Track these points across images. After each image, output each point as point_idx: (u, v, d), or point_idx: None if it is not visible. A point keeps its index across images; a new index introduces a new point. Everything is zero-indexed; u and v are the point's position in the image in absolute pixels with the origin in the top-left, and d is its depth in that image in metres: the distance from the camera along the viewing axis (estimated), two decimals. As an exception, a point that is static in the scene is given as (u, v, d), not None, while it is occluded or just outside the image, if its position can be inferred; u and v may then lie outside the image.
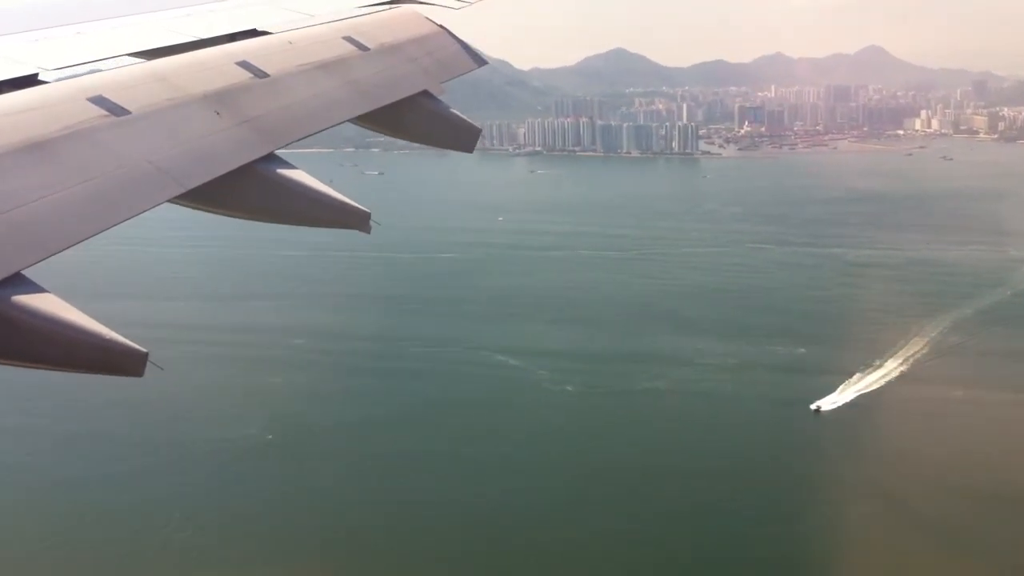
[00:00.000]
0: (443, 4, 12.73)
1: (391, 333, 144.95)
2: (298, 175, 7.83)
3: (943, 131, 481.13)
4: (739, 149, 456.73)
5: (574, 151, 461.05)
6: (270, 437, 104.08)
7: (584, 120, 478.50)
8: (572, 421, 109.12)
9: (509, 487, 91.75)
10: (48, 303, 5.47)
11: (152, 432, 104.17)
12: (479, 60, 11.68)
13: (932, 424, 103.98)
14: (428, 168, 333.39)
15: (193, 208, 7.48)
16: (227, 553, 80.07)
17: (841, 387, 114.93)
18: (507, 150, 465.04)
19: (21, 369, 5.69)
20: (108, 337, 5.59)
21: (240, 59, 8.72)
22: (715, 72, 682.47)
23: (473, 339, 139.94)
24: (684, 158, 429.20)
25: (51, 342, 5.46)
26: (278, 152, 7.89)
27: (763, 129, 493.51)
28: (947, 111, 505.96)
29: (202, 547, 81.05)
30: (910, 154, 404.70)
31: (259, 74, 8.63)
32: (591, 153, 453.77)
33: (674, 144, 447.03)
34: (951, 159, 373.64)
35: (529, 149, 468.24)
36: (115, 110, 7.03)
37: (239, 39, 9.49)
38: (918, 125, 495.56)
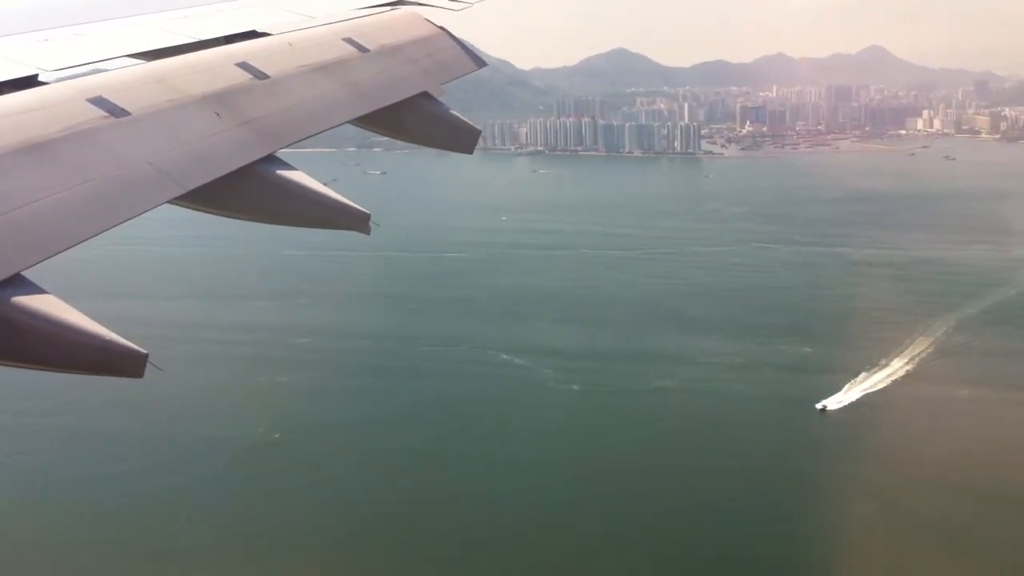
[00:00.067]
0: (443, 5, 12.74)
1: (395, 332, 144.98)
2: (298, 176, 7.83)
3: (945, 131, 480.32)
4: (741, 149, 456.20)
5: (576, 151, 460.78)
6: (277, 436, 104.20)
7: (586, 120, 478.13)
8: (577, 420, 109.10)
9: (515, 486, 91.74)
10: (48, 304, 5.47)
11: (158, 431, 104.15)
12: (479, 61, 11.70)
13: (937, 423, 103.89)
14: (430, 167, 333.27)
15: (193, 209, 7.49)
16: (250, 547, 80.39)
17: (847, 386, 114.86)
18: (509, 150, 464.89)
19: (21, 369, 5.71)
20: (108, 338, 5.59)
21: (240, 60, 8.73)
22: (716, 72, 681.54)
23: (477, 338, 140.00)
24: (686, 158, 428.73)
25: (51, 343, 5.46)
26: (278, 153, 7.90)
27: (765, 129, 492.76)
28: (949, 111, 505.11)
29: (221, 543, 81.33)
30: (913, 154, 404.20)
31: (259, 75, 8.63)
32: (593, 153, 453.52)
33: (676, 144, 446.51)
34: (954, 159, 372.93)
35: (531, 149, 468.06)
36: (115, 111, 7.03)
37: (239, 40, 9.50)
38: (920, 125, 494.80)
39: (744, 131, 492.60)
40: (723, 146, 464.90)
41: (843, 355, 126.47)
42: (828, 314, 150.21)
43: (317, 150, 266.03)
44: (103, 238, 6.19)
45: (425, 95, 10.17)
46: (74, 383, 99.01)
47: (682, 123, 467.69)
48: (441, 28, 11.72)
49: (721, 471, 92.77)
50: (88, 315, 5.63)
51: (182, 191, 6.83)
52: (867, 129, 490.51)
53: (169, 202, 6.86)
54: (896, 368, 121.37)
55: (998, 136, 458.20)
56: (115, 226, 6.20)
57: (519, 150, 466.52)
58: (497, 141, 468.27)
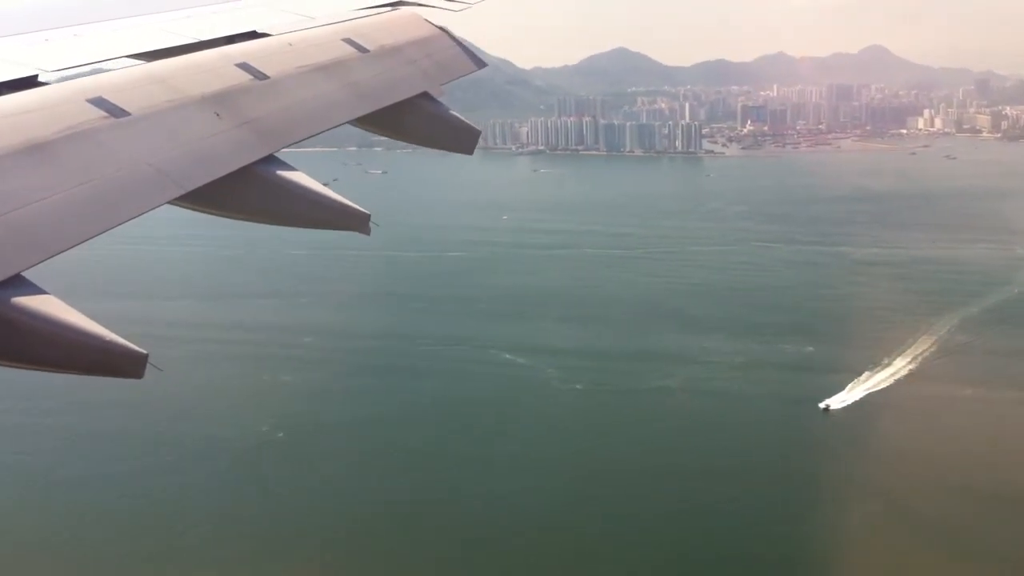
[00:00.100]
0: (443, 6, 12.75)
1: (397, 331, 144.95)
2: (298, 177, 7.84)
3: (946, 130, 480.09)
4: (742, 148, 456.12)
5: (577, 150, 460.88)
6: (281, 435, 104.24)
7: (587, 119, 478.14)
8: (578, 420, 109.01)
9: (515, 486, 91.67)
10: (48, 305, 5.48)
11: (159, 431, 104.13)
12: (479, 62, 11.71)
13: (940, 423, 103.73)
14: (431, 167, 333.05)
15: (193, 210, 7.50)
16: (250, 547, 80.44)
17: (850, 385, 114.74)
18: (510, 149, 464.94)
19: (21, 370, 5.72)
20: (108, 339, 5.60)
21: (240, 61, 8.74)
22: (717, 71, 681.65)
23: (480, 337, 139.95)
24: (687, 157, 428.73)
25: (51, 344, 5.47)
26: (278, 154, 7.91)
27: (766, 128, 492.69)
28: (950, 110, 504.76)
29: (222, 542, 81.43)
30: (914, 153, 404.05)
31: (259, 76, 8.64)
32: (594, 152, 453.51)
33: (677, 143, 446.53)
34: (955, 158, 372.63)
35: (532, 148, 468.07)
36: (115, 112, 7.04)
37: (239, 41, 9.51)
38: (921, 124, 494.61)
39: (745, 130, 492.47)
40: (724, 145, 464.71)
41: (846, 354, 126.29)
42: (830, 313, 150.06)
43: (318, 149, 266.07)
44: (104, 237, 6.20)
45: (425, 95, 10.17)
46: (74, 383, 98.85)
47: (683, 122, 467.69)
48: (441, 29, 11.73)
49: (724, 471, 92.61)
50: (89, 315, 5.65)
51: (182, 192, 6.84)
52: (868, 128, 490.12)
53: (169, 203, 6.87)
54: (899, 367, 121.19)
55: (999, 135, 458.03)
56: (115, 227, 6.22)
57: (520, 149, 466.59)
58: (498, 140, 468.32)
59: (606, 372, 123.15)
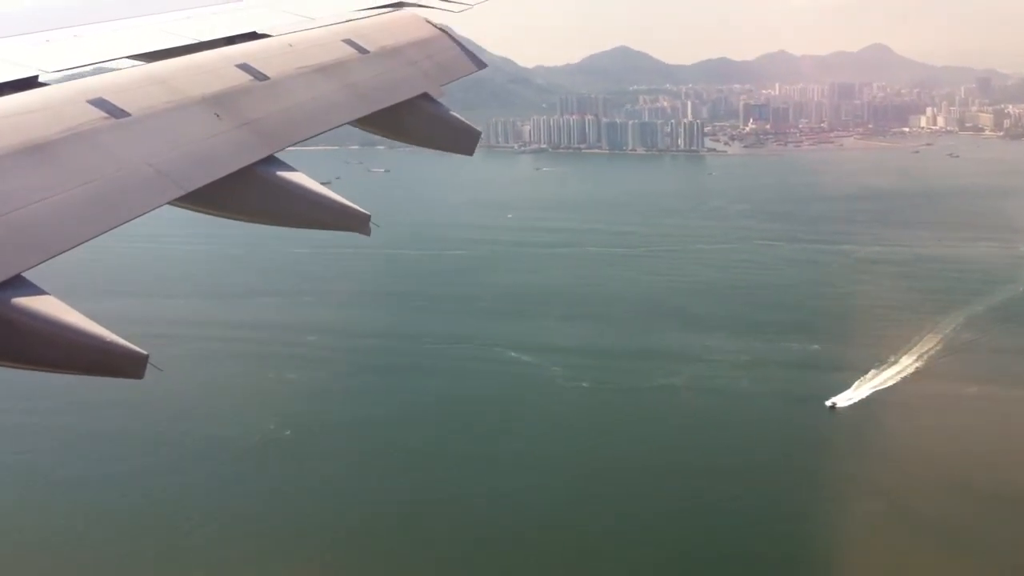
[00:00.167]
0: (443, 7, 12.75)
1: (399, 330, 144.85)
2: (298, 177, 7.85)
3: (948, 128, 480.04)
4: (744, 146, 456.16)
5: (579, 148, 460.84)
6: (288, 433, 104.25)
7: (589, 118, 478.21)
8: (581, 418, 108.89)
9: (521, 484, 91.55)
10: (48, 305, 5.49)
11: (159, 431, 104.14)
12: (479, 63, 11.71)
13: (946, 421, 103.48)
14: (433, 166, 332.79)
15: (193, 210, 7.51)
16: (250, 547, 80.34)
17: (856, 383, 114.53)
18: (512, 148, 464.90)
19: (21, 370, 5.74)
20: (108, 339, 5.60)
21: (240, 62, 8.74)
22: (719, 70, 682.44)
23: (483, 335, 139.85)
24: (689, 155, 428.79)
25: (51, 344, 5.47)
26: (278, 155, 7.93)
27: (768, 126, 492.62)
28: (952, 108, 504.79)
29: (222, 542, 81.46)
30: (916, 151, 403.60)
31: (259, 77, 8.65)
32: (596, 150, 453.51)
33: (679, 141, 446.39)
34: (957, 156, 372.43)
35: (534, 146, 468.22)
36: (115, 112, 7.05)
37: (239, 42, 9.51)
38: (923, 122, 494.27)
39: (747, 129, 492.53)
40: (726, 144, 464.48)
41: (851, 352, 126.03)
42: (834, 311, 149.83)
43: (320, 148, 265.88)
44: (105, 236, 6.22)
45: (425, 96, 10.18)
46: (74, 383, 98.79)
47: (685, 121, 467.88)
48: (441, 29, 11.73)
49: (729, 469, 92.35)
50: (89, 314, 5.65)
51: (182, 192, 6.85)
52: (870, 127, 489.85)
53: (169, 203, 6.88)
54: (905, 365, 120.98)
55: (1001, 133, 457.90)
56: (115, 227, 6.23)
57: (522, 148, 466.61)
58: (500, 139, 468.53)
59: (609, 370, 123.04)
